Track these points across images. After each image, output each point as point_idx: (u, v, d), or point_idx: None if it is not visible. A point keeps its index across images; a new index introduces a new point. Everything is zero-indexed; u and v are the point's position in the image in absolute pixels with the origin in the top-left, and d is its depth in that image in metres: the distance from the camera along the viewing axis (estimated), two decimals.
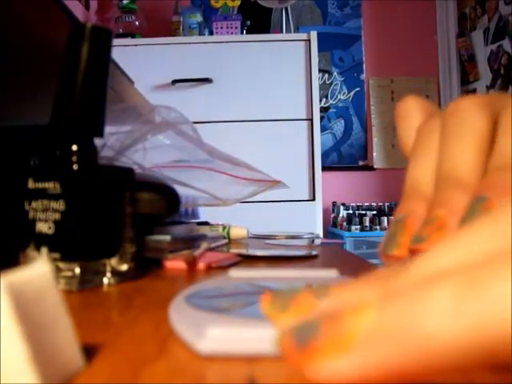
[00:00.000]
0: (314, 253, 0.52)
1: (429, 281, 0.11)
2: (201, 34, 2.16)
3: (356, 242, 2.21)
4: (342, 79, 2.61)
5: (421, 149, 0.21)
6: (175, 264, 0.41)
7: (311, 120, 1.92)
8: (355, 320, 0.11)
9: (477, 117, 0.19)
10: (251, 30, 2.21)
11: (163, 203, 0.42)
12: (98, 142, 0.34)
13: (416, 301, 0.11)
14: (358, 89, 2.60)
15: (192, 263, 0.41)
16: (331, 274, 0.29)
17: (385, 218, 2.34)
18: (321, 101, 2.49)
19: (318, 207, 1.86)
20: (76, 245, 0.31)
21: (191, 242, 0.53)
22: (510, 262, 0.10)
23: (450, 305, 0.10)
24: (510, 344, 0.10)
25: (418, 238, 0.19)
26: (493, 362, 0.10)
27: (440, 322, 0.10)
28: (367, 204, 2.43)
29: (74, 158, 0.32)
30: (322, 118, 2.46)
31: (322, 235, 1.69)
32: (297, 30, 2.34)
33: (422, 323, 0.11)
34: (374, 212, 2.36)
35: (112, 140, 0.48)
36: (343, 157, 2.59)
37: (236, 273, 0.30)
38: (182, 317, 0.20)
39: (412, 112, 0.22)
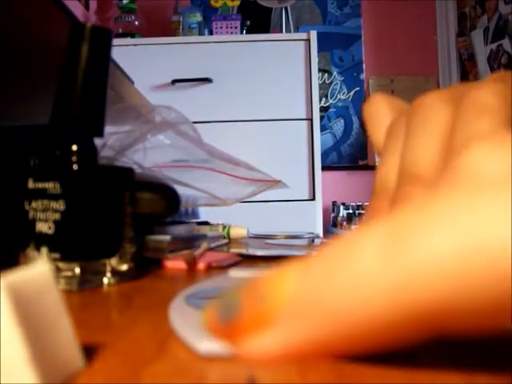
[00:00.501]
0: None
1: (359, 233, 0.11)
2: (201, 33, 2.16)
3: None
4: (342, 79, 2.61)
5: (390, 147, 0.21)
6: (175, 264, 0.41)
7: (311, 120, 1.92)
8: (275, 292, 0.11)
9: (439, 111, 0.19)
10: (251, 30, 2.21)
11: (163, 203, 0.42)
12: (98, 142, 0.34)
13: (340, 254, 0.10)
14: (357, 88, 2.60)
15: (192, 263, 0.41)
16: None
17: None
18: (320, 100, 2.49)
19: (317, 207, 1.86)
20: (76, 245, 0.31)
21: (191, 241, 0.53)
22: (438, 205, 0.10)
23: (380, 253, 0.10)
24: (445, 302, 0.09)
25: None
26: (422, 328, 0.09)
27: (372, 269, 0.10)
28: (367, 203, 2.43)
29: (74, 158, 0.32)
30: (321, 118, 2.46)
31: (322, 235, 1.69)
32: (296, 30, 2.35)
33: (351, 273, 0.10)
34: None
35: (112, 140, 0.48)
36: (343, 156, 2.59)
37: (236, 273, 0.30)
38: (181, 317, 0.20)
39: (381, 111, 0.22)
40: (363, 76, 2.60)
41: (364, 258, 0.10)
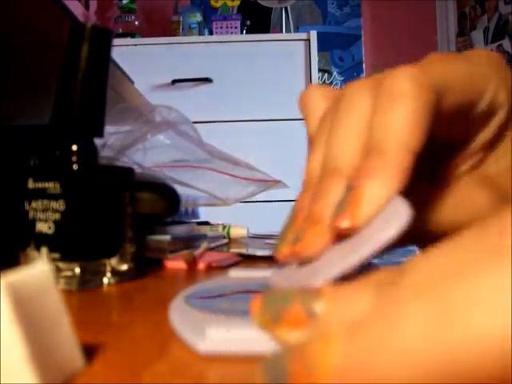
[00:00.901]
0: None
1: (400, 303, 0.11)
2: (201, 33, 2.16)
3: None
4: (342, 79, 2.61)
5: (318, 138, 0.20)
6: (175, 264, 0.41)
7: None
8: (322, 357, 0.11)
9: (360, 100, 0.19)
10: (251, 30, 2.21)
11: (163, 203, 0.42)
12: (98, 141, 0.34)
13: (384, 328, 0.10)
14: None
15: (192, 263, 0.41)
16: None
17: None
18: None
19: None
20: (76, 245, 0.31)
21: (191, 241, 0.53)
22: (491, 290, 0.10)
23: (424, 330, 0.10)
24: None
25: (296, 238, 0.18)
26: None
27: (417, 346, 0.10)
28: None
29: (74, 158, 0.32)
30: None
31: None
32: (296, 30, 2.34)
33: (393, 352, 0.10)
34: None
35: (112, 140, 0.48)
36: None
37: (236, 273, 0.30)
38: (182, 317, 0.20)
39: (315, 101, 0.22)
40: (363, 76, 2.60)
41: (407, 333, 0.10)
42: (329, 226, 0.17)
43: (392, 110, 0.17)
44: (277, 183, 0.62)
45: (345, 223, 0.16)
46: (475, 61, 0.20)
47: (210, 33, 2.15)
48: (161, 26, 2.30)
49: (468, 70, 0.19)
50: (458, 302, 0.10)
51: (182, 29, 2.17)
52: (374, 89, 0.19)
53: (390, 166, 0.17)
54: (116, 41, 1.78)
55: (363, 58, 2.60)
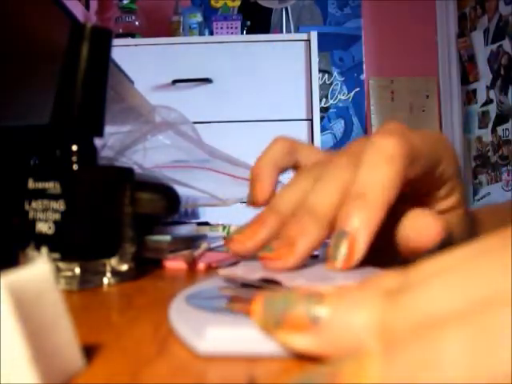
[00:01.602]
0: (315, 253, 0.52)
1: (434, 327, 0.11)
2: (201, 34, 2.16)
3: None
4: (342, 79, 2.61)
5: (292, 184, 0.27)
6: (175, 264, 0.41)
7: (311, 120, 1.92)
8: (359, 381, 0.11)
9: (343, 168, 0.24)
10: (251, 30, 2.21)
11: (163, 203, 0.42)
12: (98, 142, 0.34)
13: (422, 360, 0.11)
14: (358, 89, 2.60)
15: (192, 263, 0.41)
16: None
17: None
18: (321, 101, 2.49)
19: None
20: (76, 245, 0.31)
21: (191, 241, 0.53)
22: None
23: (463, 361, 0.10)
24: None
25: (268, 247, 0.24)
26: None
27: (456, 375, 0.10)
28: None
29: (74, 158, 0.32)
30: (322, 118, 2.45)
31: None
32: (297, 30, 2.34)
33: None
34: None
35: (112, 140, 0.48)
36: None
37: (226, 271, 0.30)
38: (181, 317, 0.20)
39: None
40: (363, 77, 2.60)
41: (447, 364, 0.10)
42: (298, 252, 0.23)
43: (378, 167, 0.23)
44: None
45: (339, 265, 0.22)
46: (433, 140, 0.27)
47: (211, 33, 2.15)
48: (161, 26, 2.30)
49: (432, 147, 0.27)
50: (498, 335, 0.10)
51: (183, 29, 2.17)
52: (353, 156, 0.24)
53: (373, 208, 0.22)
54: (116, 41, 1.78)
55: (363, 59, 2.60)
